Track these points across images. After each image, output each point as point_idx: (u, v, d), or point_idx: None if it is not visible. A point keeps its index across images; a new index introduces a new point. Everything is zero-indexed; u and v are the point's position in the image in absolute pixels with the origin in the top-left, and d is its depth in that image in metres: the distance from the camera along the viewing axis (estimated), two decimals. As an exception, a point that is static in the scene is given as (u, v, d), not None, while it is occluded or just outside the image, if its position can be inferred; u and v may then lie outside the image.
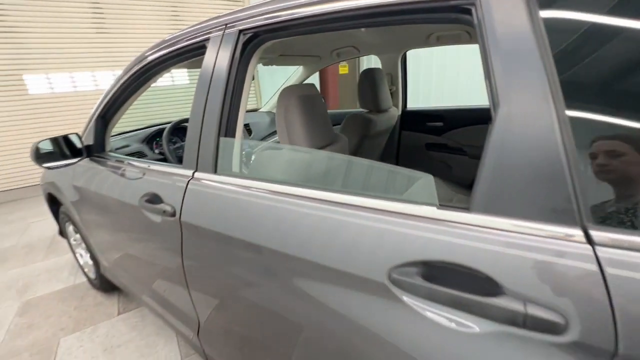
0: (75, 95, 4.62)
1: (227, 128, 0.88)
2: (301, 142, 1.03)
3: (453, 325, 0.47)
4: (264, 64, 2.01)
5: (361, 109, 1.81)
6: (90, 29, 4.57)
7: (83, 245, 1.93)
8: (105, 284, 1.94)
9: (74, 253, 2.17)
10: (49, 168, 1.31)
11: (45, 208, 3.68)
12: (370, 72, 1.62)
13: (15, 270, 2.39)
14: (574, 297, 0.39)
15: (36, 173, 4.58)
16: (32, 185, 4.61)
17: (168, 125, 1.87)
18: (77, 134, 1.37)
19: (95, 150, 1.44)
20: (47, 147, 1.32)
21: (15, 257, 2.59)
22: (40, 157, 1.29)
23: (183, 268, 0.96)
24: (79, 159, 1.38)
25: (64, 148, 1.34)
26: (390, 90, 1.97)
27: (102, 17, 4.61)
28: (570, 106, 0.41)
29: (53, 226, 3.16)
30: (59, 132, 1.39)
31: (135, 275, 1.37)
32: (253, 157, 1.32)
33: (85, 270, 2.09)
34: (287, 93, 1.02)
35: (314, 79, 6.55)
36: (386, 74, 1.98)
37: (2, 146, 4.40)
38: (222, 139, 0.87)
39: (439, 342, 0.48)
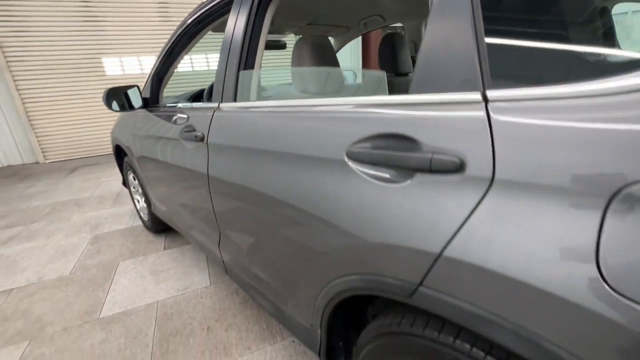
0: (142, 76, 5.26)
1: (246, 65, 1.06)
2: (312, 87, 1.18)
3: (385, 179, 0.60)
4: (295, 33, 2.17)
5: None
6: (156, 18, 5.15)
7: (140, 191, 2.30)
8: (155, 226, 2.30)
9: (133, 200, 2.58)
10: (116, 111, 1.62)
11: (113, 171, 4.31)
12: (389, 37, 1.70)
13: (90, 213, 2.90)
14: (468, 141, 0.49)
15: (108, 143, 5.34)
16: (105, 154, 5.38)
17: (208, 85, 2.15)
18: (137, 86, 1.68)
19: (151, 102, 1.74)
20: (115, 97, 1.63)
21: (90, 204, 3.13)
22: (110, 103, 1.61)
23: (208, 185, 1.18)
24: (138, 108, 1.68)
25: (125, 99, 1.64)
26: (413, 58, 2.01)
27: (166, 7, 5.16)
28: (484, 7, 0.51)
29: (119, 184, 3.72)
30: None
31: (175, 204, 1.64)
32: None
33: (141, 214, 2.49)
34: (301, 42, 1.17)
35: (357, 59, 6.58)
36: (410, 41, 2.03)
37: (84, 120, 5.19)
38: (241, 72, 1.05)
39: (376, 194, 0.61)
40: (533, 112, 0.44)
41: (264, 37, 1.09)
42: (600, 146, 0.38)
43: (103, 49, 4.95)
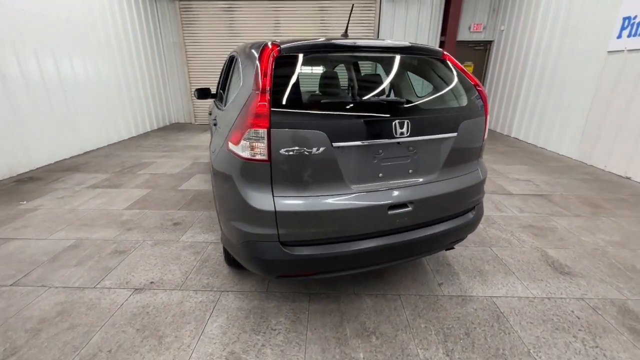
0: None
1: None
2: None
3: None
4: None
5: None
6: (270, 30, 7.28)
7: (215, 142, 4.27)
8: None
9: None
10: (198, 99, 3.51)
11: (203, 134, 6.69)
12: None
13: (198, 153, 5.16)
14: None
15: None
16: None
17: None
18: (209, 88, 3.50)
19: (217, 96, 3.55)
20: (199, 92, 3.48)
21: (206, 149, 5.43)
22: (196, 95, 3.48)
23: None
24: (210, 99, 3.51)
25: (203, 93, 3.47)
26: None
27: (278, 23, 7.22)
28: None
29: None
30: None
31: None
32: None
33: (215, 155, 4.51)
34: None
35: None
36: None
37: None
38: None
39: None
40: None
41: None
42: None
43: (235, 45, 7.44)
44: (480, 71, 7.59)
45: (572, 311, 1.73)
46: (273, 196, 1.31)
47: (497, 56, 7.09)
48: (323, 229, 1.36)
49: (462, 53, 7.36)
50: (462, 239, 1.80)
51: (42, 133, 4.28)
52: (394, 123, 1.34)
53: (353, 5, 2.39)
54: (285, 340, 1.54)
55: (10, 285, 1.91)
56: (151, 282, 1.95)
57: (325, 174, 1.32)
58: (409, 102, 1.47)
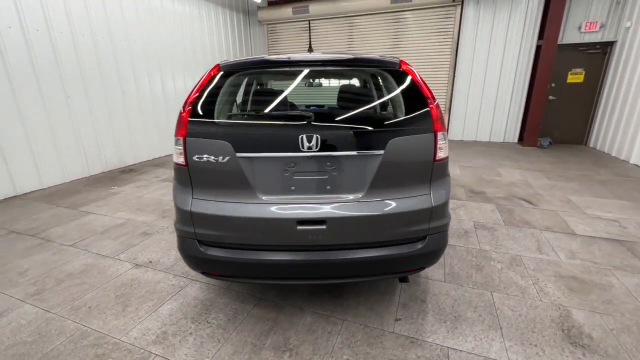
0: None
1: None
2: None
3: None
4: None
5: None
6: (344, 44, 7.52)
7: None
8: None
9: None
10: None
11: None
12: None
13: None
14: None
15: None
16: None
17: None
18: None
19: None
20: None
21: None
22: None
23: None
24: None
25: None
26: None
27: (352, 37, 7.40)
28: None
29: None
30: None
31: None
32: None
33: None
34: None
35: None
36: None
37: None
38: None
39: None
40: None
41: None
42: None
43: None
44: (596, 80, 6.09)
45: (552, 394, 1.31)
46: (192, 197, 1.46)
47: (619, 60, 5.59)
48: (230, 233, 1.43)
49: (568, 58, 6.08)
50: (414, 271, 1.57)
51: (146, 136, 5.52)
52: (300, 137, 1.32)
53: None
54: (210, 334, 1.65)
55: (69, 245, 2.59)
56: (150, 262, 2.34)
57: (232, 182, 1.40)
58: (319, 114, 1.40)
